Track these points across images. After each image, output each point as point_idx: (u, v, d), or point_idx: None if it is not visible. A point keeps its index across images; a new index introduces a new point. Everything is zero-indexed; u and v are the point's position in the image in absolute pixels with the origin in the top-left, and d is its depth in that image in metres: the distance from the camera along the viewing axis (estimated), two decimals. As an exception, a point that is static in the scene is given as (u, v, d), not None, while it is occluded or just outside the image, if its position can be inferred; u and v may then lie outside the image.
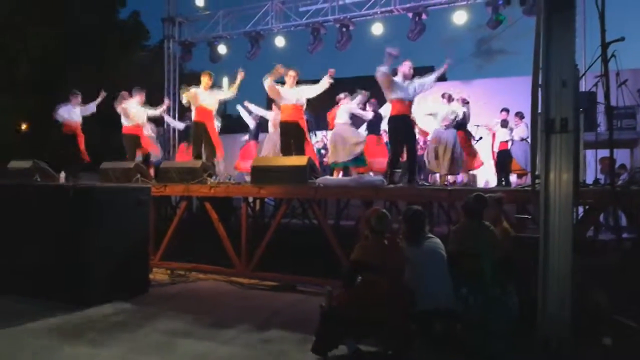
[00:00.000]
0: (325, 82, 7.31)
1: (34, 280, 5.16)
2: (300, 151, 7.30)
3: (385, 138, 9.95)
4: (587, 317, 3.78)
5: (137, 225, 5.50)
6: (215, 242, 6.46)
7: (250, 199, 8.48)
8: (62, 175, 8.23)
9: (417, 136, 10.53)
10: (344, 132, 8.38)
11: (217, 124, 10.07)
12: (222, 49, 12.75)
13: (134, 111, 8.49)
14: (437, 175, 8.84)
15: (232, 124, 18.38)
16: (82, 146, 8.97)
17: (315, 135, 10.99)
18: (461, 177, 9.32)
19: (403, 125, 6.80)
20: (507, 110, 9.67)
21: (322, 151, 11.34)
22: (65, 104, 8.93)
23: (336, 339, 3.42)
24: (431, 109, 8.82)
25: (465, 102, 9.02)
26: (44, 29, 18.66)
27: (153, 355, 3.66)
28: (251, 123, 10.30)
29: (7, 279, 5.28)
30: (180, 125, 11.28)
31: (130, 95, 8.60)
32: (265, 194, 6.38)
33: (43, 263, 5.13)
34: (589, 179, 6.64)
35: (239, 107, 10.27)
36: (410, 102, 6.81)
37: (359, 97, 8.57)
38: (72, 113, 8.87)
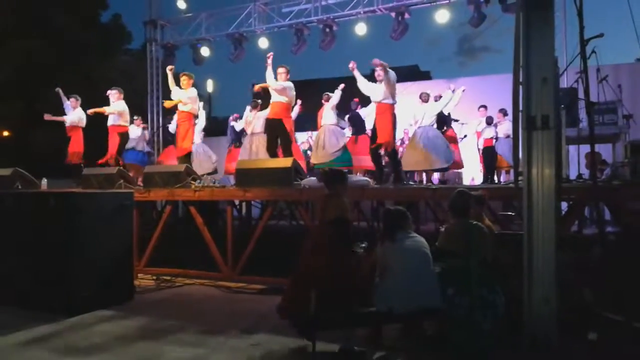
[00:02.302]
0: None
1: (15, 290, 5.08)
2: (287, 150, 7.26)
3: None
4: (573, 312, 3.81)
5: (121, 231, 5.44)
6: (202, 246, 6.42)
7: (237, 202, 8.44)
8: (44, 182, 8.12)
9: (402, 135, 10.61)
10: (326, 136, 8.43)
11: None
12: (205, 51, 12.72)
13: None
14: (424, 174, 8.85)
15: (218, 126, 18.34)
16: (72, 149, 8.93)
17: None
18: (439, 176, 9.39)
19: None
20: (485, 107, 9.75)
21: (309, 152, 11.33)
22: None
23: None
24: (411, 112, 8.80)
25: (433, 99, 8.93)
26: (26, 33, 18.41)
27: (139, 363, 3.62)
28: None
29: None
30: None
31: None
32: (251, 197, 6.36)
33: (25, 272, 5.05)
34: (572, 174, 6.71)
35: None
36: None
37: (337, 92, 8.56)
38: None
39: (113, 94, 8.45)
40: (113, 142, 8.38)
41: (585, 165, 7.94)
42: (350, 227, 3.96)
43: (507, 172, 9.63)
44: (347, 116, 9.13)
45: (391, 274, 3.65)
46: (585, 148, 7.60)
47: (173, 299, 5.59)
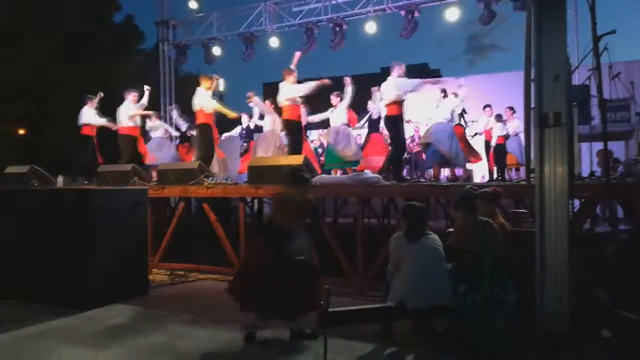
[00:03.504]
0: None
1: (33, 284, 5.16)
2: (295, 149, 7.28)
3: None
4: (586, 310, 3.80)
5: (135, 227, 5.51)
6: (215, 242, 6.48)
7: (249, 199, 8.50)
8: (60, 179, 8.23)
9: (413, 133, 10.60)
10: (340, 139, 8.49)
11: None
12: (216, 50, 12.81)
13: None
14: (431, 171, 8.83)
15: (230, 124, 18.38)
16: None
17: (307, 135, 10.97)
18: (450, 172, 9.37)
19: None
20: (489, 106, 9.74)
21: (319, 150, 11.36)
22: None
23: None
24: (426, 106, 8.83)
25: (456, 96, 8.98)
26: (39, 34, 18.64)
27: (154, 356, 3.67)
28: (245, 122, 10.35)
29: (5, 284, 5.29)
30: (183, 126, 11.04)
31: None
32: (263, 194, 6.39)
33: (41, 267, 5.13)
34: (585, 172, 6.68)
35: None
36: (394, 102, 6.88)
37: (349, 90, 8.58)
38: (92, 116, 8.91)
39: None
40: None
41: (597, 163, 7.88)
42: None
43: (517, 170, 9.59)
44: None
45: (404, 270, 3.68)
46: (598, 145, 7.55)
47: (186, 294, 5.66)
